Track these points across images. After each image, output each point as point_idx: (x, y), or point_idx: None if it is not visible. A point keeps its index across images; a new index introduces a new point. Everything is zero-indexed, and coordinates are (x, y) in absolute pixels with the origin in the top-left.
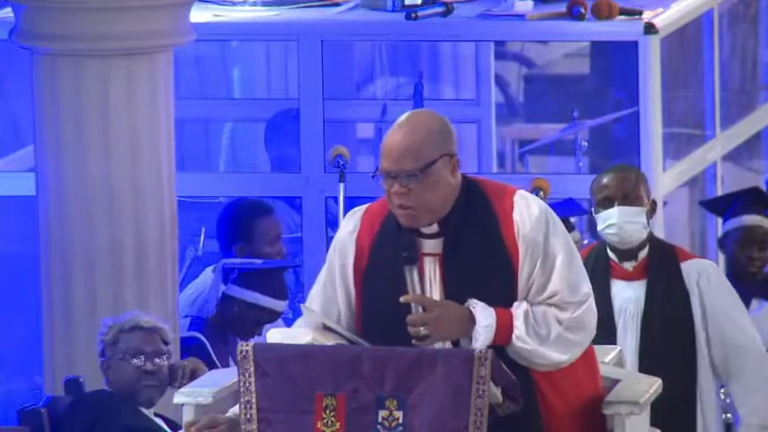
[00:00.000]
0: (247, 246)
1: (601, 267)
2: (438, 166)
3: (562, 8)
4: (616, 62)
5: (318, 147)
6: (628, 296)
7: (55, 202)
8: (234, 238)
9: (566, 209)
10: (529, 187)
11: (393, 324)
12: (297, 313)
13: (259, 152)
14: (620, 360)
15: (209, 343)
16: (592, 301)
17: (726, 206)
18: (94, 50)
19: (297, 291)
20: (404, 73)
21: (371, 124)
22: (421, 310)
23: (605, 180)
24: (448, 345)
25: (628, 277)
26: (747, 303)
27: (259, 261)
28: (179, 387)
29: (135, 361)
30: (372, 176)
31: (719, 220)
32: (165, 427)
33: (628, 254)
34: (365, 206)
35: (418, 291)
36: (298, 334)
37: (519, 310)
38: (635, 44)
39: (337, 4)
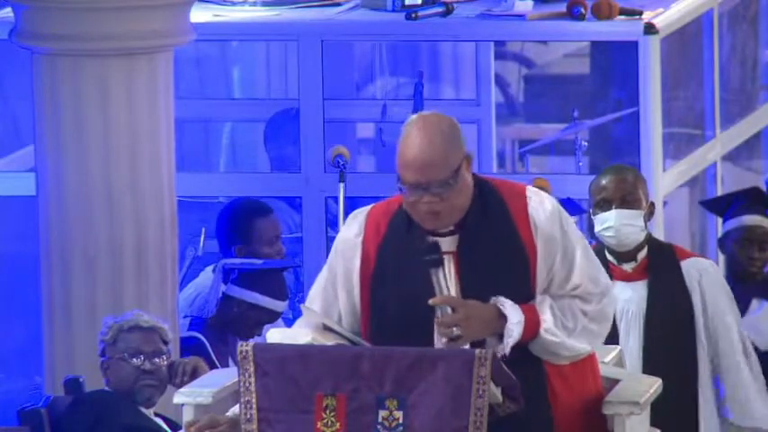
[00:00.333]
0: (246, 246)
1: None
2: (463, 169)
3: (562, 8)
4: (616, 62)
5: (318, 147)
6: (629, 297)
7: (55, 202)
8: (233, 238)
9: (564, 209)
10: None
11: (406, 327)
12: (297, 313)
13: (259, 152)
14: (620, 360)
15: (208, 343)
16: (611, 292)
17: (726, 206)
18: (94, 50)
19: (297, 291)
20: (404, 73)
21: (371, 124)
22: (449, 311)
23: (603, 182)
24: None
25: (628, 278)
26: (747, 303)
27: (259, 261)
28: (179, 385)
29: (134, 361)
30: (399, 190)
31: (719, 220)
32: (165, 426)
33: (627, 255)
34: (367, 208)
35: (445, 291)
36: (298, 334)
37: (543, 304)
38: (635, 44)
39: (337, 4)
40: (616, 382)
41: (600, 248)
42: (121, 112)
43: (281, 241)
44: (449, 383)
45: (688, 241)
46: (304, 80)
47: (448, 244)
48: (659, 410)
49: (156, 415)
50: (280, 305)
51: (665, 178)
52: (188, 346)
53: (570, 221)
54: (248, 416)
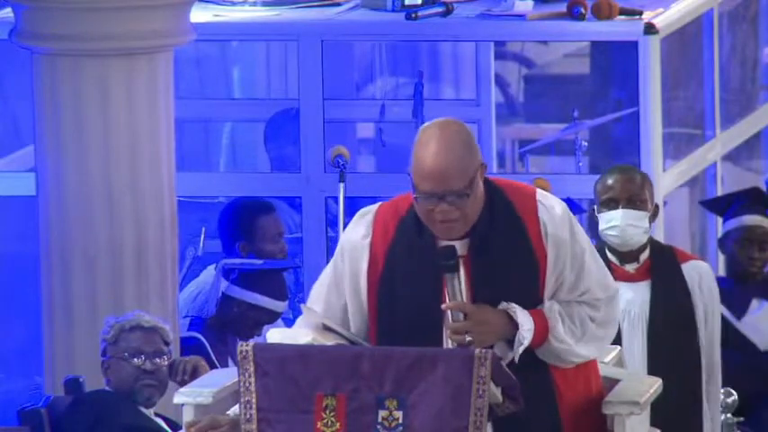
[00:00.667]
0: (249, 243)
1: None
2: (477, 178)
3: (562, 8)
4: (616, 62)
5: (318, 147)
6: (631, 298)
7: (55, 202)
8: (236, 236)
9: None
10: None
11: (415, 330)
12: (297, 313)
13: (259, 152)
14: (620, 360)
15: (208, 343)
16: (617, 294)
17: (726, 206)
18: (94, 50)
19: (297, 291)
20: (404, 73)
21: (371, 124)
22: (461, 316)
23: (610, 181)
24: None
25: (630, 279)
26: (747, 303)
27: (259, 261)
28: (180, 383)
29: (135, 360)
30: (415, 199)
31: (719, 220)
32: (165, 426)
33: (629, 256)
34: (374, 208)
35: (459, 297)
36: (298, 334)
37: (552, 311)
38: (635, 44)
39: (337, 4)
40: (616, 382)
41: (601, 247)
42: (121, 112)
43: (283, 239)
44: (449, 383)
45: (688, 241)
46: (304, 80)
47: (459, 248)
48: (663, 411)
49: (157, 415)
50: (280, 305)
51: (665, 178)
52: (188, 346)
53: (579, 225)
54: (248, 416)
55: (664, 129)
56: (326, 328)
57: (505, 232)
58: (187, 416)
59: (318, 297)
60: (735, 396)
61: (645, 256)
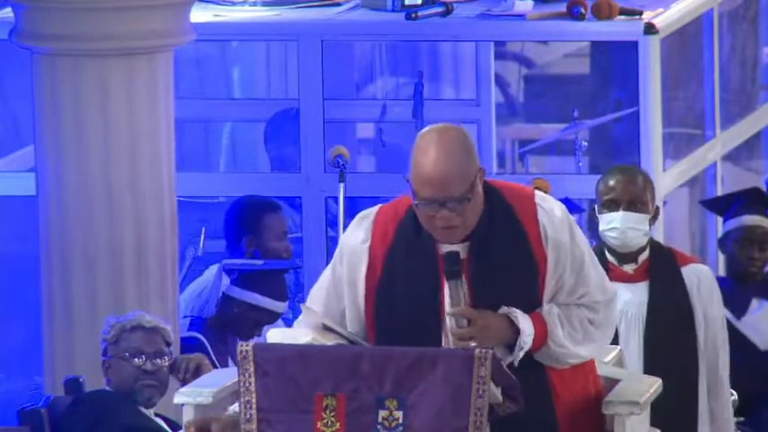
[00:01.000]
0: (256, 239)
1: None
2: (477, 182)
3: (562, 8)
4: (616, 62)
5: (318, 147)
6: (629, 299)
7: (55, 202)
8: (242, 231)
9: None
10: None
11: (414, 334)
12: (297, 313)
13: (259, 152)
14: (620, 360)
15: (208, 343)
16: (616, 296)
17: (726, 206)
18: (94, 50)
19: (297, 291)
20: (404, 73)
21: (371, 124)
22: (465, 322)
23: (612, 182)
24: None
25: (628, 279)
26: (747, 303)
27: (260, 262)
28: (182, 380)
29: (135, 360)
30: (416, 205)
31: (719, 220)
32: (165, 426)
33: (628, 257)
34: (374, 211)
35: (462, 303)
36: (298, 334)
37: (551, 315)
38: (635, 44)
39: (337, 4)
40: (616, 382)
41: (600, 248)
42: (121, 112)
43: (288, 239)
44: (449, 383)
45: (688, 241)
46: (304, 80)
47: (459, 251)
48: (659, 411)
49: (157, 415)
50: (280, 306)
51: (665, 178)
52: (188, 347)
53: (578, 228)
54: (248, 416)
55: (664, 129)
56: (326, 328)
57: (505, 235)
58: (187, 416)
59: (317, 300)
60: (735, 396)
61: (644, 257)
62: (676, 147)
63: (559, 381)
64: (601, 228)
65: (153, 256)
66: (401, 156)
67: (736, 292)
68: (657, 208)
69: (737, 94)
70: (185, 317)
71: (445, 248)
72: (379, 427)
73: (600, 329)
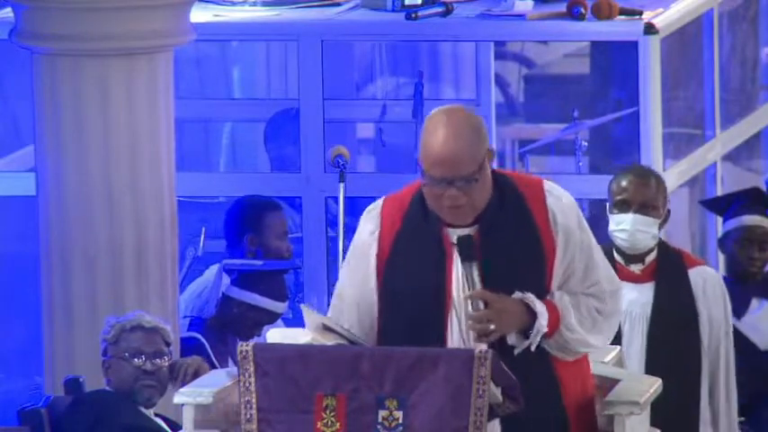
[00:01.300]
0: (257, 236)
1: None
2: (486, 163)
3: (562, 8)
4: (616, 62)
5: (318, 147)
6: (634, 298)
7: (55, 202)
8: (244, 229)
9: None
10: None
11: (420, 317)
12: (297, 313)
13: (259, 152)
14: (620, 360)
15: (208, 343)
16: (621, 288)
17: (726, 206)
18: (94, 50)
19: (297, 291)
20: (404, 73)
21: (371, 124)
22: (482, 305)
23: (625, 183)
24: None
25: (635, 280)
26: (747, 303)
27: (259, 262)
28: (181, 386)
29: (135, 361)
30: (423, 185)
31: (719, 220)
32: (165, 427)
33: (635, 257)
34: (380, 202)
35: (463, 283)
36: (298, 334)
37: (563, 301)
38: (635, 44)
39: (337, 4)
40: (616, 382)
41: (608, 248)
42: (121, 112)
43: (288, 239)
44: (449, 383)
45: (688, 241)
46: (304, 80)
47: (471, 235)
48: (660, 411)
49: (157, 415)
50: (279, 306)
51: (665, 178)
52: (187, 347)
53: (583, 217)
54: (248, 416)
55: (664, 129)
56: (326, 328)
57: (514, 220)
58: (187, 416)
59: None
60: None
61: (651, 257)
62: (676, 147)
63: (567, 374)
64: (610, 227)
65: (153, 256)
66: (401, 156)
67: (736, 292)
68: (668, 211)
69: (737, 94)
70: (185, 317)
71: (453, 232)
72: (379, 427)
73: (607, 320)
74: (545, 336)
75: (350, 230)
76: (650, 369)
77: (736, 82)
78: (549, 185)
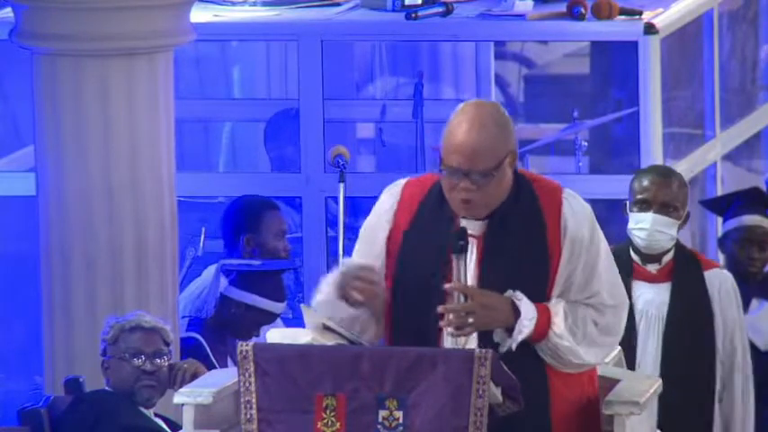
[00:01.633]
0: (255, 236)
1: (622, 268)
2: (506, 164)
3: (562, 8)
4: (616, 62)
5: (318, 147)
6: (650, 298)
7: (55, 202)
8: (241, 228)
9: None
10: None
11: (421, 304)
12: (297, 313)
13: (259, 152)
14: (620, 360)
15: (207, 343)
16: (626, 306)
17: (726, 206)
18: (94, 50)
19: (297, 291)
20: (404, 73)
21: (371, 124)
22: (463, 299)
23: (646, 182)
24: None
25: (651, 280)
26: (747, 303)
27: (258, 262)
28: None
29: (135, 361)
30: (439, 171)
31: (719, 220)
32: (165, 427)
33: (652, 257)
34: (402, 182)
35: (462, 280)
36: (298, 334)
37: (557, 306)
38: (635, 44)
39: (337, 4)
40: (616, 382)
41: (626, 247)
42: (121, 112)
43: (286, 238)
44: (449, 383)
45: (688, 241)
46: (304, 80)
47: (476, 228)
48: (674, 412)
49: (157, 415)
50: (278, 307)
51: None
52: (186, 347)
53: (599, 231)
54: (248, 416)
55: (664, 129)
56: (326, 328)
57: (525, 221)
58: (187, 416)
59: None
60: None
61: (668, 258)
62: (676, 147)
63: (559, 384)
64: (629, 225)
65: (153, 256)
66: (401, 156)
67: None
68: (688, 213)
69: (737, 94)
70: (183, 317)
71: (465, 225)
72: (379, 427)
73: (604, 334)
74: (535, 340)
75: (350, 230)
76: (665, 369)
77: (736, 82)
78: (568, 193)
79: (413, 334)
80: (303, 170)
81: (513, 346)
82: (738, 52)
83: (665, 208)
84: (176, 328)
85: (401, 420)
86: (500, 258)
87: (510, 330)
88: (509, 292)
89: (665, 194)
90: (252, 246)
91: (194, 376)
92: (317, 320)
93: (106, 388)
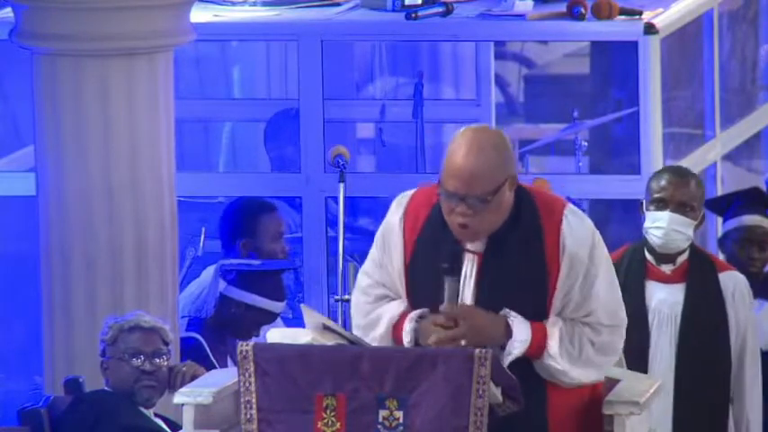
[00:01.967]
0: (251, 241)
1: (636, 267)
2: (504, 189)
3: (562, 8)
4: (616, 62)
5: (318, 147)
6: (663, 298)
7: (55, 202)
8: (238, 233)
9: None
10: None
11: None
12: (297, 313)
13: (259, 152)
14: (620, 360)
15: (207, 343)
16: (624, 327)
17: (726, 206)
18: (94, 50)
19: (297, 291)
20: (404, 73)
21: (371, 124)
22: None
23: (664, 182)
24: None
25: (665, 280)
26: None
27: (257, 262)
28: None
29: (134, 361)
30: (438, 195)
31: (719, 220)
32: (165, 427)
33: (666, 257)
34: (409, 194)
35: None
36: (298, 334)
37: (554, 327)
38: (635, 44)
39: (337, 4)
40: (616, 382)
41: (641, 246)
42: (121, 112)
43: (284, 240)
44: (449, 383)
45: None
46: (304, 80)
47: (476, 244)
48: (690, 412)
49: (157, 415)
50: (277, 306)
51: None
52: (186, 347)
53: (603, 249)
54: (248, 416)
55: (664, 129)
56: (326, 328)
57: (524, 238)
58: (187, 416)
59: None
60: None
61: (682, 259)
62: (676, 147)
63: (556, 394)
64: (646, 224)
65: (153, 256)
66: (401, 156)
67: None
68: (704, 214)
69: (737, 94)
70: (183, 317)
71: (452, 249)
72: (379, 426)
73: (600, 353)
74: (529, 355)
75: (350, 230)
76: (680, 369)
77: (736, 82)
78: (570, 210)
79: None
80: (303, 170)
81: (505, 365)
82: (738, 52)
83: (681, 207)
84: (176, 328)
85: (401, 420)
86: (499, 275)
87: (504, 348)
88: (504, 311)
89: (683, 194)
90: (248, 250)
91: (193, 379)
92: (317, 320)
93: (106, 388)
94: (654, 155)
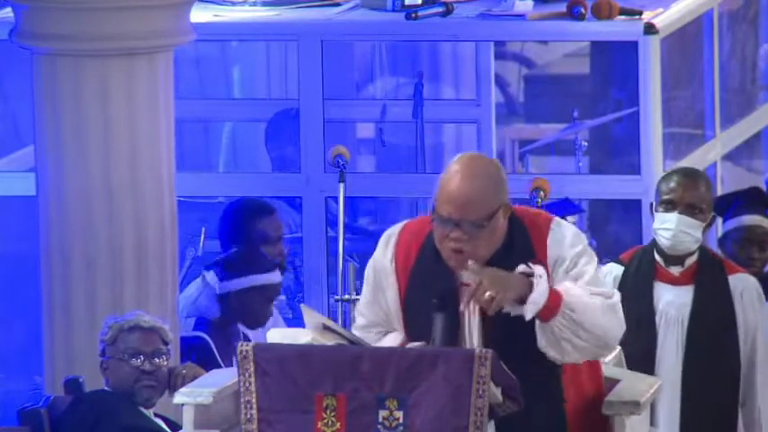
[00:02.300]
0: (247, 246)
1: (645, 269)
2: (498, 216)
3: (562, 8)
4: (616, 62)
5: (318, 147)
6: (670, 299)
7: (55, 202)
8: (234, 237)
9: (562, 208)
10: (529, 187)
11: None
12: (297, 313)
13: (259, 152)
14: (620, 360)
15: (213, 343)
16: (618, 303)
17: (726, 206)
18: (94, 50)
19: (297, 291)
20: (404, 73)
21: (371, 124)
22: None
23: (673, 183)
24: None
25: (673, 281)
26: None
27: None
28: None
29: (134, 361)
30: (432, 220)
31: (719, 220)
32: (165, 427)
33: (675, 259)
34: (397, 230)
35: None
36: (298, 334)
37: (563, 285)
38: (635, 44)
39: (337, 4)
40: (616, 382)
41: (648, 248)
42: (121, 112)
43: (282, 242)
44: (449, 383)
45: None
46: (304, 80)
47: (471, 276)
48: (699, 413)
49: (157, 415)
50: (274, 276)
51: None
52: (192, 346)
53: (592, 257)
54: (248, 416)
55: (664, 129)
56: (326, 328)
57: (519, 260)
58: (187, 416)
59: (365, 310)
60: None
61: (691, 261)
62: (676, 147)
63: (570, 385)
64: (654, 225)
65: (153, 257)
66: (401, 156)
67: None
68: (714, 217)
69: (737, 94)
70: (188, 316)
71: (463, 274)
72: (379, 426)
73: (610, 312)
74: (547, 312)
75: (350, 230)
76: (687, 371)
77: (736, 82)
78: (556, 223)
79: None
80: (303, 170)
81: (527, 316)
82: (738, 52)
83: (690, 209)
84: (176, 328)
85: (401, 420)
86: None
87: (522, 300)
88: (521, 267)
89: (692, 196)
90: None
91: (193, 380)
92: (317, 320)
93: (106, 388)
94: (654, 155)
